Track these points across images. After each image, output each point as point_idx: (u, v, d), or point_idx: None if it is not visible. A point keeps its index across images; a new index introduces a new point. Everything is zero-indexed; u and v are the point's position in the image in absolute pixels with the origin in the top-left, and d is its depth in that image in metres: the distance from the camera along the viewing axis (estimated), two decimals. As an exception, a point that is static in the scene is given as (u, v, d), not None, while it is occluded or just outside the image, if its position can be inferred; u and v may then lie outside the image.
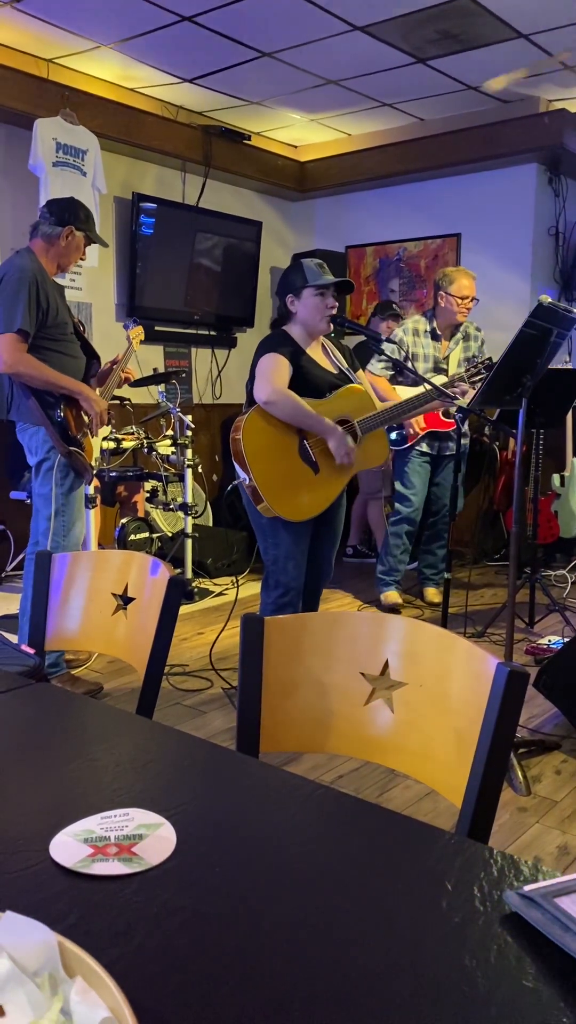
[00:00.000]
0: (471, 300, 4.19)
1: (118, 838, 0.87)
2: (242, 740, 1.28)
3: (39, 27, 4.25)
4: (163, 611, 1.52)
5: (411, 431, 4.33)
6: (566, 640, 3.77)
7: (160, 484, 4.67)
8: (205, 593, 4.71)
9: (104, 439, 4.32)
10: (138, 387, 4.85)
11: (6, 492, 4.66)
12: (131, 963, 0.69)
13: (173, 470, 4.68)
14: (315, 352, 2.99)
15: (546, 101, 5.17)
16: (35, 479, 3.14)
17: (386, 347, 4.16)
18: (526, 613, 4.22)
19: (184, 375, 5.77)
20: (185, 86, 5.02)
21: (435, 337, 4.29)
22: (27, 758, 1.06)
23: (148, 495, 4.83)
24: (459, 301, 4.16)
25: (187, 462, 4.60)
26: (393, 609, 4.42)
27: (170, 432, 4.71)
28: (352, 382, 3.06)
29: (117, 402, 4.59)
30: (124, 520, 4.63)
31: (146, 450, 4.59)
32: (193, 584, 4.73)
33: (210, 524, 5.71)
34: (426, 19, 4.04)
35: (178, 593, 1.53)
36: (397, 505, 4.44)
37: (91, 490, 3.61)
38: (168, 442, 4.63)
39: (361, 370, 3.24)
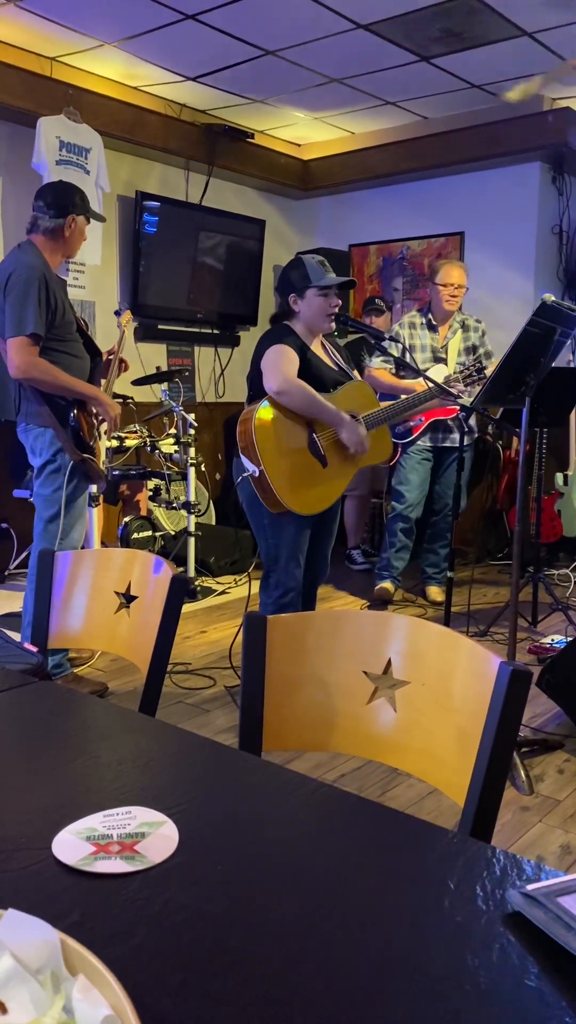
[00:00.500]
0: (457, 288, 4.30)
1: (120, 836, 0.87)
2: (245, 738, 1.28)
3: (43, 25, 4.25)
4: (166, 609, 1.52)
5: (413, 423, 4.36)
6: (569, 639, 3.77)
7: (163, 482, 4.67)
8: (208, 592, 4.71)
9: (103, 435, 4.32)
10: (141, 385, 4.85)
11: (9, 490, 4.66)
12: (133, 961, 0.69)
13: (176, 468, 4.68)
14: (317, 348, 2.99)
15: (550, 100, 5.16)
16: (36, 480, 3.08)
17: (387, 344, 4.18)
18: (529, 612, 4.22)
19: (187, 373, 5.77)
20: (188, 84, 5.02)
21: (431, 328, 4.37)
22: (29, 756, 1.07)
23: (151, 493, 4.83)
24: (442, 288, 4.30)
25: (190, 460, 4.60)
26: (381, 599, 4.43)
27: (173, 430, 4.71)
28: (352, 379, 3.06)
29: (120, 400, 4.58)
30: (127, 519, 4.63)
31: (149, 448, 4.59)
32: (196, 583, 4.73)
33: (213, 523, 5.72)
34: (430, 17, 4.03)
35: (181, 592, 1.53)
36: (393, 502, 4.49)
37: (94, 489, 3.61)
38: (171, 440, 4.63)
39: (355, 370, 3.24)
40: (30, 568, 3.18)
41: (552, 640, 3.83)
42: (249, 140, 5.75)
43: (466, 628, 3.92)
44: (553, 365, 2.82)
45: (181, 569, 4.58)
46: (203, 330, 5.94)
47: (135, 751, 1.09)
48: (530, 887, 0.76)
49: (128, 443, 4.49)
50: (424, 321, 4.38)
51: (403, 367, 4.24)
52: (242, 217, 5.98)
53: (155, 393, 5.11)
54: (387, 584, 4.51)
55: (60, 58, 4.69)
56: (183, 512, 4.74)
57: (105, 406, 3.05)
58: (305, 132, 5.93)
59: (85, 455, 3.02)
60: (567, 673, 2.92)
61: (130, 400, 4.84)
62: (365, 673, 1.29)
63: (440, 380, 3.44)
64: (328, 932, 0.73)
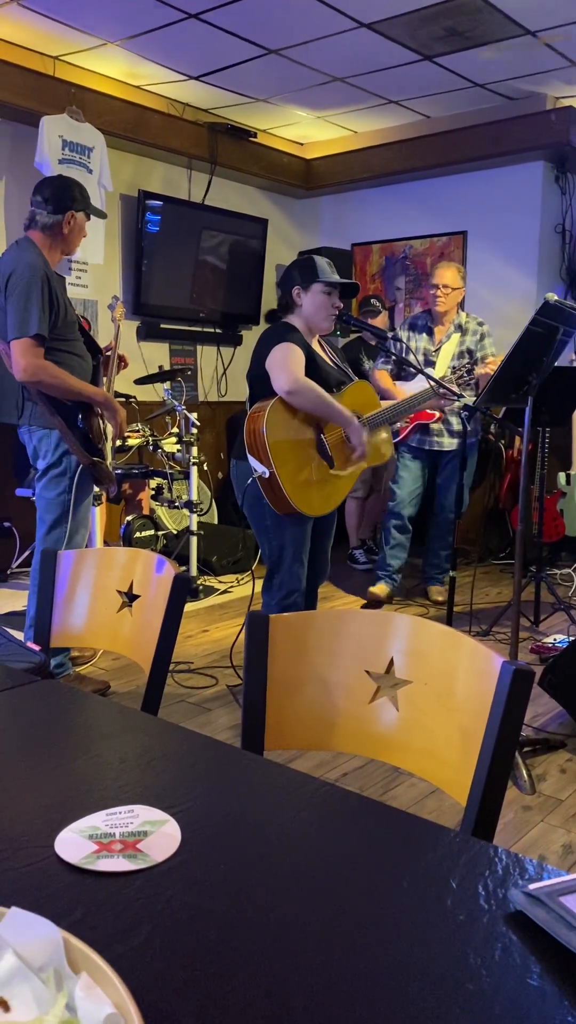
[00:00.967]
0: (443, 288, 4.31)
1: (123, 835, 0.87)
2: (247, 737, 1.28)
3: (45, 24, 4.25)
4: (168, 608, 1.52)
5: (399, 426, 4.39)
6: (571, 639, 3.77)
7: (165, 482, 4.67)
8: (210, 591, 4.72)
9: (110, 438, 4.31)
10: (143, 384, 4.86)
11: (11, 489, 4.67)
12: (136, 959, 0.69)
13: (178, 468, 4.68)
14: (316, 348, 2.98)
15: (553, 98, 5.15)
16: (39, 483, 3.00)
17: (389, 344, 4.20)
18: (531, 612, 4.21)
19: (189, 373, 5.77)
20: (191, 83, 5.02)
21: (428, 331, 4.39)
22: (32, 754, 1.07)
23: (153, 493, 4.83)
24: (431, 289, 4.35)
25: (192, 460, 4.60)
26: (376, 603, 4.44)
27: (175, 430, 4.71)
28: (351, 379, 3.05)
29: (122, 400, 4.59)
30: (129, 518, 4.64)
31: (151, 448, 4.59)
32: (198, 582, 4.74)
33: (215, 522, 5.72)
34: (433, 16, 4.03)
35: (183, 591, 1.53)
36: (388, 501, 4.54)
37: (96, 489, 3.60)
38: (173, 440, 4.63)
39: (369, 368, 3.24)
40: (33, 567, 3.17)
41: (554, 640, 3.83)
42: (252, 139, 5.75)
43: (468, 627, 3.92)
44: (556, 364, 2.82)
45: (183, 568, 4.58)
46: (206, 329, 5.94)
47: (137, 750, 1.09)
48: (532, 886, 0.77)
49: (131, 442, 4.49)
50: (421, 323, 4.42)
51: (404, 366, 4.25)
52: (245, 216, 5.98)
53: (158, 392, 5.11)
54: (380, 586, 4.52)
55: (63, 57, 4.69)
56: (185, 511, 4.74)
57: (113, 410, 2.98)
58: (308, 131, 5.93)
59: (95, 458, 2.97)
60: (569, 673, 2.92)
61: (133, 399, 4.84)
62: (367, 672, 1.29)
63: (428, 384, 3.43)
64: (330, 931, 0.73)
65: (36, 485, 3.06)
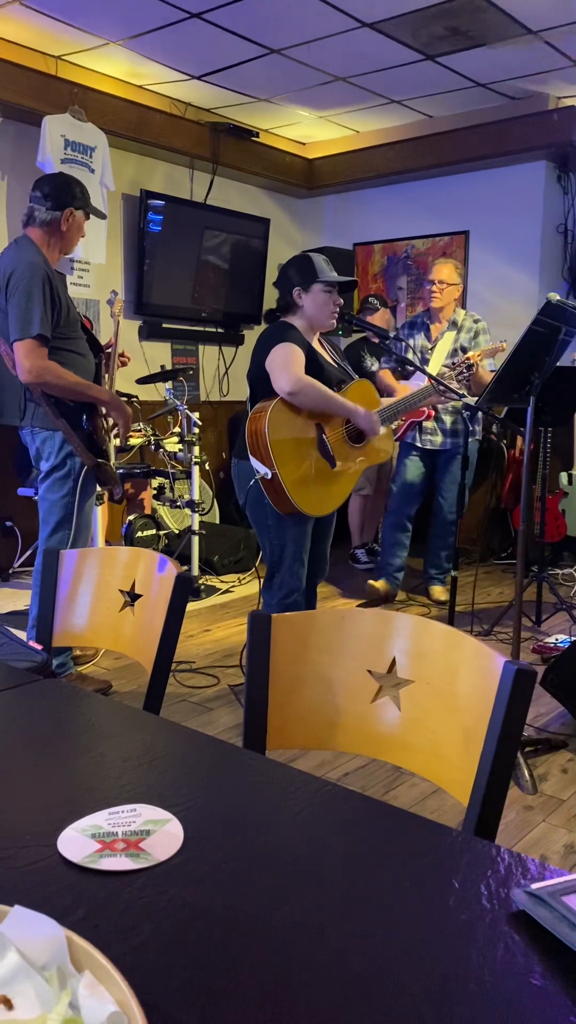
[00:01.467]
0: (439, 284, 4.32)
1: (125, 834, 0.87)
2: (249, 737, 1.28)
3: (47, 24, 4.25)
4: (170, 608, 1.52)
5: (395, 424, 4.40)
6: (573, 639, 3.77)
7: (167, 481, 4.67)
8: (212, 590, 4.72)
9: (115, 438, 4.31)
10: (145, 384, 4.86)
11: (14, 489, 4.67)
12: (138, 958, 0.69)
13: (180, 467, 4.69)
14: (316, 346, 2.98)
15: (555, 98, 5.15)
16: (42, 484, 2.98)
17: (390, 343, 4.21)
18: (533, 611, 4.21)
19: (191, 372, 5.77)
20: (193, 83, 5.02)
21: (424, 329, 4.40)
22: (35, 754, 1.07)
23: (155, 492, 4.84)
24: (429, 286, 4.36)
25: (194, 459, 4.60)
26: (374, 597, 4.45)
27: (177, 429, 4.71)
28: (352, 378, 3.05)
29: (125, 399, 4.59)
30: (131, 517, 4.64)
31: (153, 447, 4.59)
32: (200, 581, 4.74)
33: (217, 521, 5.72)
34: (435, 16, 4.03)
35: (185, 590, 1.53)
36: (388, 501, 4.55)
37: (100, 489, 3.60)
38: (175, 439, 4.63)
39: (372, 368, 3.24)
40: (35, 567, 3.16)
41: (556, 639, 3.83)
42: (254, 139, 5.75)
43: (470, 627, 3.91)
44: (558, 364, 2.81)
45: (185, 568, 4.58)
46: (207, 329, 5.94)
47: (140, 749, 1.09)
48: (535, 886, 0.77)
49: (132, 442, 4.49)
50: (421, 321, 4.43)
51: (405, 364, 4.25)
52: (247, 216, 5.98)
53: (159, 392, 5.11)
54: (380, 581, 4.52)
55: (65, 57, 4.69)
56: (187, 511, 4.74)
57: (119, 410, 2.95)
58: (310, 131, 5.93)
59: (100, 460, 2.94)
60: (571, 672, 2.92)
61: (135, 399, 4.84)
62: (369, 672, 1.29)
63: (425, 381, 3.43)
64: (332, 930, 0.73)
65: (39, 487, 3.02)
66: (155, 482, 4.81)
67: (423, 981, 0.67)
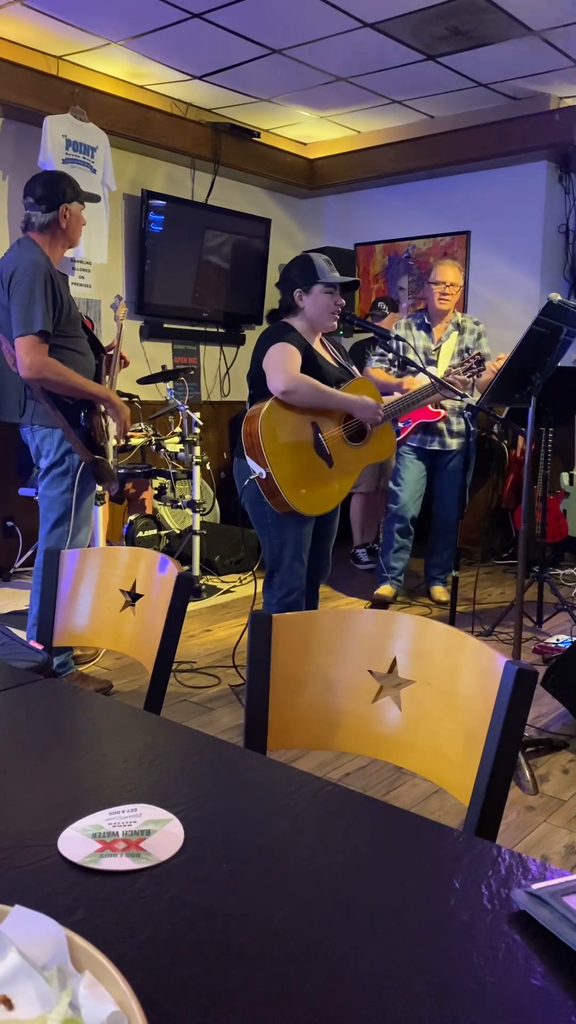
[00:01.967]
0: (449, 286, 4.29)
1: (126, 833, 0.87)
2: (249, 737, 1.28)
3: (49, 24, 4.25)
4: (171, 608, 1.52)
5: (400, 424, 4.37)
6: (574, 639, 3.76)
7: (168, 481, 4.67)
8: (213, 590, 4.72)
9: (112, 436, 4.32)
10: (146, 384, 4.86)
11: (15, 489, 4.67)
12: (139, 958, 0.69)
13: (181, 467, 4.69)
14: (317, 346, 2.98)
15: (556, 98, 5.15)
16: (42, 481, 3.01)
17: (391, 343, 4.19)
18: (534, 612, 4.21)
19: (192, 372, 5.77)
20: (194, 83, 5.02)
21: (427, 329, 4.38)
22: (35, 753, 1.07)
23: (156, 492, 4.84)
24: (435, 287, 4.31)
25: (195, 459, 4.60)
26: (382, 604, 4.43)
27: (178, 429, 4.72)
28: (354, 376, 3.06)
29: (126, 399, 4.59)
30: (132, 517, 4.64)
31: (154, 447, 4.59)
32: (201, 581, 4.74)
33: (218, 521, 5.72)
34: (436, 16, 4.03)
35: (186, 590, 1.53)
36: (388, 503, 4.50)
37: (99, 488, 3.60)
38: (176, 439, 4.63)
39: (355, 368, 3.23)
40: (36, 566, 3.17)
41: (557, 640, 3.82)
42: (255, 139, 5.75)
43: (471, 628, 3.91)
44: (559, 364, 2.81)
45: (186, 568, 4.58)
46: (208, 329, 5.94)
47: (140, 749, 1.09)
48: (536, 886, 0.76)
49: (133, 442, 4.49)
50: (419, 322, 4.39)
51: (404, 366, 4.24)
52: (248, 216, 5.98)
53: (160, 392, 5.11)
54: (386, 587, 4.50)
55: (66, 57, 4.69)
56: (188, 511, 4.74)
57: (116, 408, 2.98)
58: (311, 131, 5.93)
59: (97, 456, 2.97)
60: (572, 673, 2.91)
61: (136, 399, 4.84)
62: (370, 672, 1.29)
63: (429, 380, 3.43)
64: (333, 930, 0.73)
65: (39, 484, 3.05)
66: (156, 482, 4.81)
67: (424, 981, 0.67)
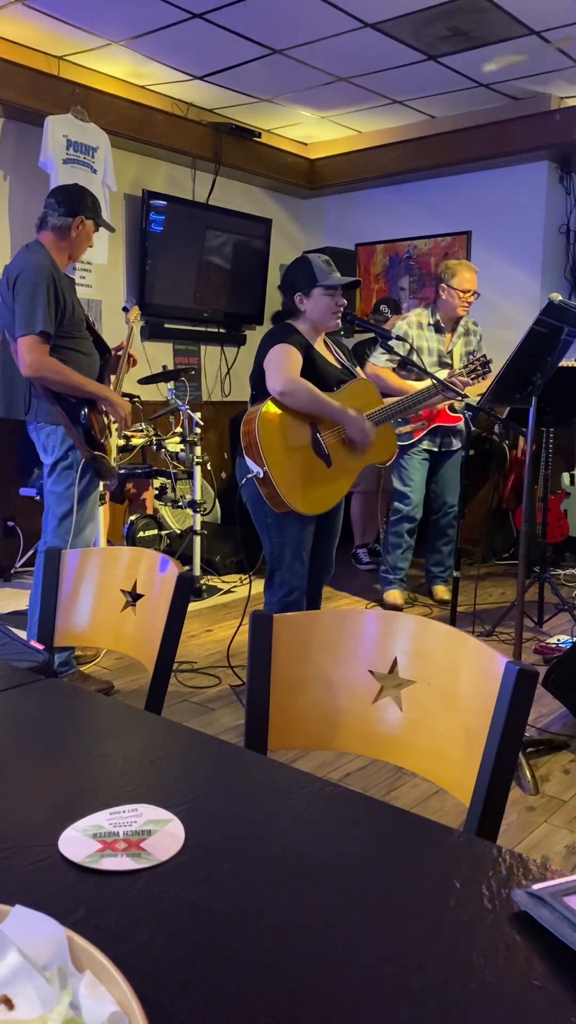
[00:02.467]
0: (473, 294, 4.19)
1: (127, 833, 0.87)
2: (250, 737, 1.28)
3: (50, 24, 4.26)
4: (172, 608, 1.52)
5: (415, 425, 4.33)
6: (575, 639, 3.77)
7: (169, 481, 4.67)
8: (213, 590, 4.72)
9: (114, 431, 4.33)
10: (147, 384, 4.86)
11: (16, 489, 4.67)
12: (139, 958, 0.69)
13: (182, 467, 4.69)
14: (320, 347, 2.99)
15: (557, 99, 5.15)
16: (48, 478, 3.09)
17: (394, 343, 4.15)
18: (535, 612, 4.21)
19: (193, 372, 5.77)
20: (195, 83, 5.02)
21: (439, 330, 4.28)
22: (36, 753, 1.07)
23: (157, 492, 4.84)
24: (460, 294, 4.17)
25: (196, 459, 4.60)
26: (394, 610, 4.40)
27: (179, 429, 4.72)
28: (355, 377, 3.06)
29: (128, 399, 4.59)
30: (133, 517, 4.64)
31: (155, 447, 4.59)
32: (201, 581, 4.74)
33: (218, 521, 5.72)
34: (437, 16, 4.03)
35: (187, 590, 1.53)
36: (396, 503, 4.42)
37: (101, 487, 3.61)
38: (177, 439, 4.63)
39: (359, 367, 3.23)
40: (36, 566, 3.18)
41: (558, 640, 3.82)
42: (256, 139, 5.75)
43: (472, 627, 3.91)
44: (560, 364, 2.81)
45: (187, 568, 4.58)
46: (209, 329, 5.94)
47: (141, 749, 1.09)
48: (536, 887, 0.76)
49: (134, 442, 4.49)
50: (432, 322, 4.27)
51: (408, 366, 4.21)
52: (249, 216, 5.98)
53: (161, 392, 5.12)
54: (395, 592, 4.48)
55: (67, 57, 4.69)
56: (189, 511, 4.74)
57: (114, 405, 3.06)
58: (312, 131, 5.93)
59: (96, 452, 3.04)
60: (573, 673, 2.91)
61: (136, 399, 4.85)
62: (371, 672, 1.29)
63: (431, 381, 3.42)
64: (333, 930, 0.73)
65: (46, 481, 3.13)
66: (157, 482, 4.81)
67: (424, 982, 0.67)
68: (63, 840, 0.86)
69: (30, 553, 4.82)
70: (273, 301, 6.19)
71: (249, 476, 2.84)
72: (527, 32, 4.19)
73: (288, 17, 4.08)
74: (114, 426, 3.15)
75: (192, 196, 5.71)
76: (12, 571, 4.86)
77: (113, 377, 3.32)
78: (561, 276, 5.62)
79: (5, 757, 1.05)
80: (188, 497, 4.70)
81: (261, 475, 2.81)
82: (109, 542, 4.30)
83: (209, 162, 5.55)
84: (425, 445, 4.36)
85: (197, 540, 4.66)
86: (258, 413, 2.81)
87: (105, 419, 3.10)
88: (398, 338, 4.35)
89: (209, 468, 5.49)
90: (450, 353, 4.28)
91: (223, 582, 4.91)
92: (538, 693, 2.76)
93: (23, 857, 0.83)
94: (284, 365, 2.80)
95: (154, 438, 4.56)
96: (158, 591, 1.60)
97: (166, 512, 5.08)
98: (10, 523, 4.86)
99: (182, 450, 4.59)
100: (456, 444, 4.37)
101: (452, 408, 4.26)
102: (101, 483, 3.35)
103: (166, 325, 5.65)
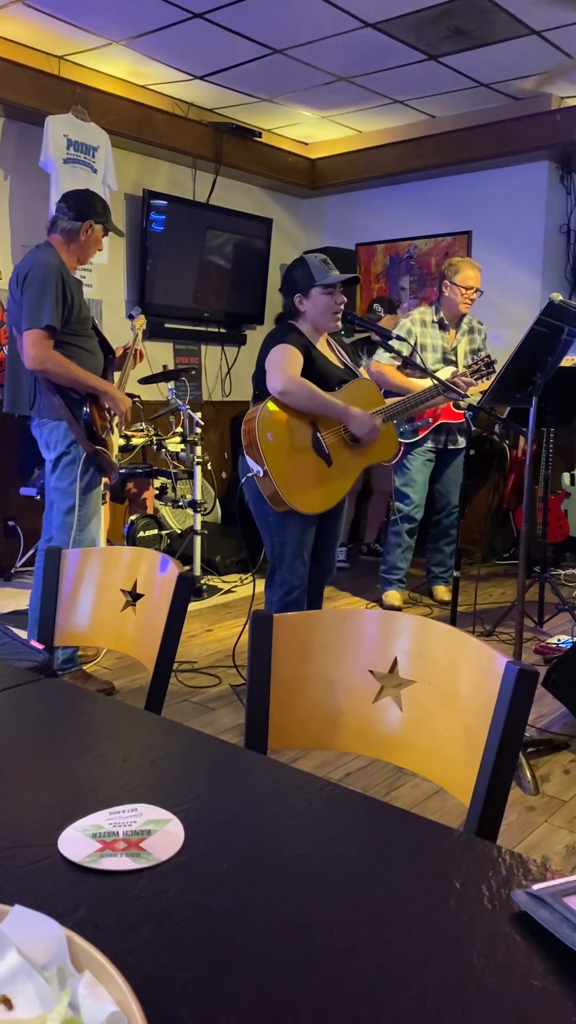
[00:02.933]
0: (475, 292, 4.19)
1: (126, 833, 0.87)
2: (250, 737, 1.28)
3: (50, 24, 4.26)
4: (172, 608, 1.52)
5: (419, 423, 4.31)
6: (575, 639, 3.76)
7: (169, 481, 4.67)
8: (214, 590, 4.72)
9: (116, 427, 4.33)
10: (148, 384, 4.86)
11: (16, 488, 4.67)
12: (139, 958, 0.69)
13: (182, 467, 4.69)
14: (322, 346, 3.00)
15: (558, 98, 5.14)
16: (52, 474, 3.12)
17: (395, 343, 4.14)
18: (535, 612, 4.21)
19: (193, 372, 5.77)
20: (196, 83, 5.02)
21: (443, 327, 4.28)
22: (36, 753, 1.07)
23: (157, 492, 4.84)
24: (463, 291, 4.17)
25: (196, 459, 4.60)
26: (393, 609, 4.40)
27: (179, 429, 4.72)
28: (357, 377, 3.06)
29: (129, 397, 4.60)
30: (133, 517, 4.64)
31: (156, 447, 4.59)
32: (202, 581, 4.74)
33: (219, 521, 5.72)
34: (438, 16, 4.02)
35: (187, 590, 1.53)
36: (397, 503, 4.41)
37: (104, 483, 3.62)
38: (177, 439, 4.63)
39: (362, 367, 3.23)
40: (36, 565, 3.20)
41: (558, 640, 3.82)
42: (256, 139, 5.75)
43: (472, 627, 3.91)
44: (560, 364, 2.81)
45: (187, 567, 4.58)
46: (210, 329, 5.94)
47: (141, 749, 1.09)
48: (536, 887, 0.76)
49: (135, 441, 4.49)
50: (435, 319, 4.26)
51: (410, 366, 4.20)
52: (249, 216, 5.97)
53: (162, 392, 5.12)
54: (394, 593, 4.48)
55: (68, 57, 4.69)
56: (189, 511, 4.74)
57: (115, 400, 3.10)
58: (312, 131, 5.92)
59: (97, 447, 3.07)
60: (573, 673, 2.91)
61: (137, 398, 4.85)
62: (371, 672, 1.29)
63: (432, 381, 3.42)
64: (333, 930, 0.73)
65: (49, 478, 3.16)
66: (157, 482, 4.81)
67: (424, 982, 0.67)
68: (63, 840, 0.86)
69: (30, 553, 4.82)
70: (274, 301, 6.19)
71: (250, 475, 2.86)
72: (528, 32, 4.19)
73: (288, 17, 4.08)
74: (115, 421, 3.17)
75: (192, 196, 5.71)
76: (12, 571, 4.86)
77: (117, 374, 3.36)
78: (561, 276, 5.62)
79: (5, 757, 1.05)
80: (188, 497, 4.70)
81: (261, 474, 2.82)
82: (109, 542, 4.30)
83: (209, 162, 5.55)
84: (429, 445, 4.34)
85: (197, 540, 4.66)
86: (258, 412, 2.82)
87: (107, 415, 3.14)
88: (398, 338, 4.35)
89: (209, 468, 5.49)
90: (454, 350, 4.28)
91: (223, 582, 4.91)
92: (538, 693, 2.76)
93: (23, 857, 0.83)
94: (284, 365, 2.81)
95: (154, 438, 4.56)
96: (158, 591, 1.60)
97: (166, 512, 5.08)
98: (10, 523, 4.86)
99: (182, 450, 4.59)
100: (461, 442, 4.35)
101: (457, 404, 4.25)
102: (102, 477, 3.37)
103: (166, 325, 5.65)
